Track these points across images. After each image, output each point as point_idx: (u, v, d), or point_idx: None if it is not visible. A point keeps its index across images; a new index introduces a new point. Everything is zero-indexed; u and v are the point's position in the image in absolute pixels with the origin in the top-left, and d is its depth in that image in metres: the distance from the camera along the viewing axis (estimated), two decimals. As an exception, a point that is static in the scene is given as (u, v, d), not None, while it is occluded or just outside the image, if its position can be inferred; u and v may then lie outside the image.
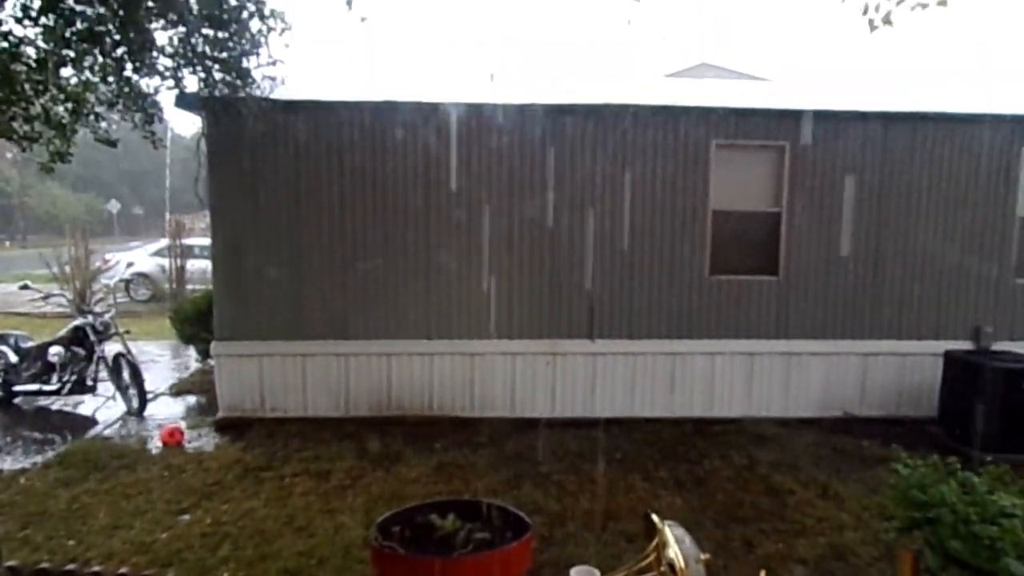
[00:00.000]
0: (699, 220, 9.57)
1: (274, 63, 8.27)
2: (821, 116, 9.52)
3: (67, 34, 7.06)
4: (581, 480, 7.17)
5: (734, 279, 9.72)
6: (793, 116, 9.50)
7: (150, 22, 7.30)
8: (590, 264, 9.52)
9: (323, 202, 9.27)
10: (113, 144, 8.53)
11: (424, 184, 9.27)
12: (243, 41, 7.78)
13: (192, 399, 10.82)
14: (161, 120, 8.39)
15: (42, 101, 7.94)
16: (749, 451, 8.37)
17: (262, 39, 8.02)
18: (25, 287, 11.23)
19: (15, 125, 7.92)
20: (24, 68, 7.55)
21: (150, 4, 7.05)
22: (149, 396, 10.39)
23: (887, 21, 7.76)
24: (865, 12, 7.63)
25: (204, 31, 7.60)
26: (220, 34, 7.59)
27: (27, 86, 7.70)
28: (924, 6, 7.86)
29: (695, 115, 9.47)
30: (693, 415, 9.81)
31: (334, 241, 9.32)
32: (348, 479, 7.04)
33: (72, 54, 7.34)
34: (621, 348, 9.66)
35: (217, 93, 8.14)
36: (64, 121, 8.09)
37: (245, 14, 7.65)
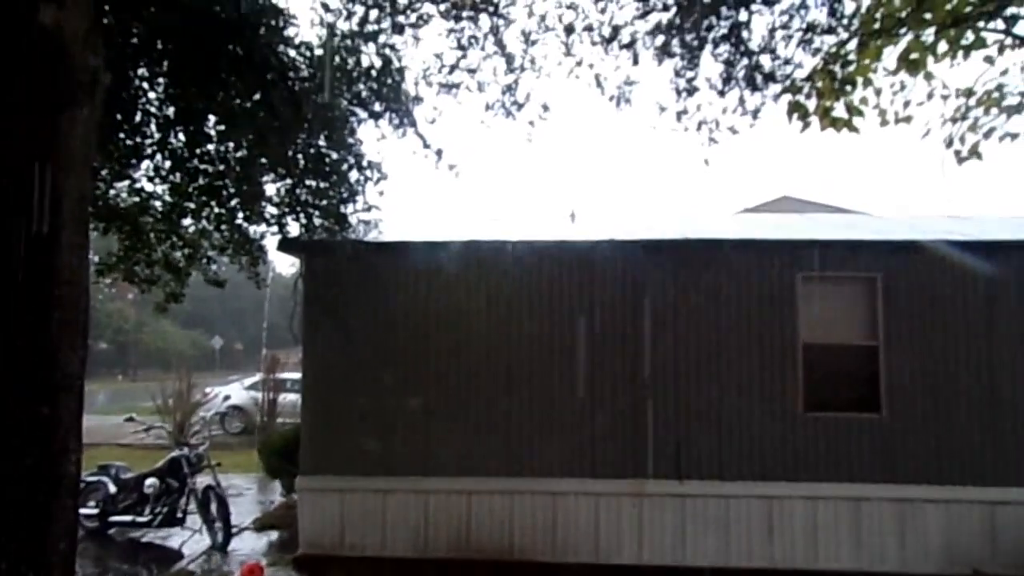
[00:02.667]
0: (790, 354, 9.27)
1: (369, 209, 8.91)
2: (914, 247, 9.31)
3: (190, 189, 7.87)
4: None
5: (831, 416, 9.19)
6: (883, 247, 9.35)
7: (262, 176, 8.06)
8: (676, 400, 9.25)
9: (408, 340, 9.53)
10: (221, 285, 9.23)
11: (506, 321, 9.44)
12: (342, 190, 8.45)
13: (275, 534, 10.82)
14: (265, 262, 9.05)
15: (163, 248, 8.76)
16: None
17: (359, 188, 8.69)
18: (130, 419, 11.79)
19: (137, 269, 8.72)
20: (151, 219, 8.40)
21: (263, 162, 7.82)
22: (234, 530, 10.44)
23: (975, 153, 7.66)
24: (950, 144, 7.59)
25: (308, 182, 8.31)
26: (322, 184, 8.29)
27: (152, 235, 8.53)
28: (1014, 136, 7.74)
29: (780, 248, 9.46)
30: (796, 566, 9.01)
31: (419, 378, 9.47)
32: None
33: (192, 206, 8.14)
34: (712, 490, 9.17)
35: (316, 237, 8.76)
36: (180, 265, 8.87)
37: (345, 166, 8.37)
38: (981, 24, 6.28)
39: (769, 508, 9.11)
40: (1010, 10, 6.14)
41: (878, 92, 3.87)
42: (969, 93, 7.31)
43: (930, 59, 6.72)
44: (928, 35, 6.50)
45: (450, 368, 9.44)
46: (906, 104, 4.11)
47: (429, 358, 9.48)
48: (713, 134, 8.59)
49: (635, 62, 8.50)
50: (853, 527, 9.04)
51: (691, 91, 8.55)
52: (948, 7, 5.80)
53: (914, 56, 6.38)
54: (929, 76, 7.21)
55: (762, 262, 9.44)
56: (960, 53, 6.76)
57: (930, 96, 7.54)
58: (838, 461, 9.11)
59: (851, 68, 3.73)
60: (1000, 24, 6.45)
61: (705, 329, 9.36)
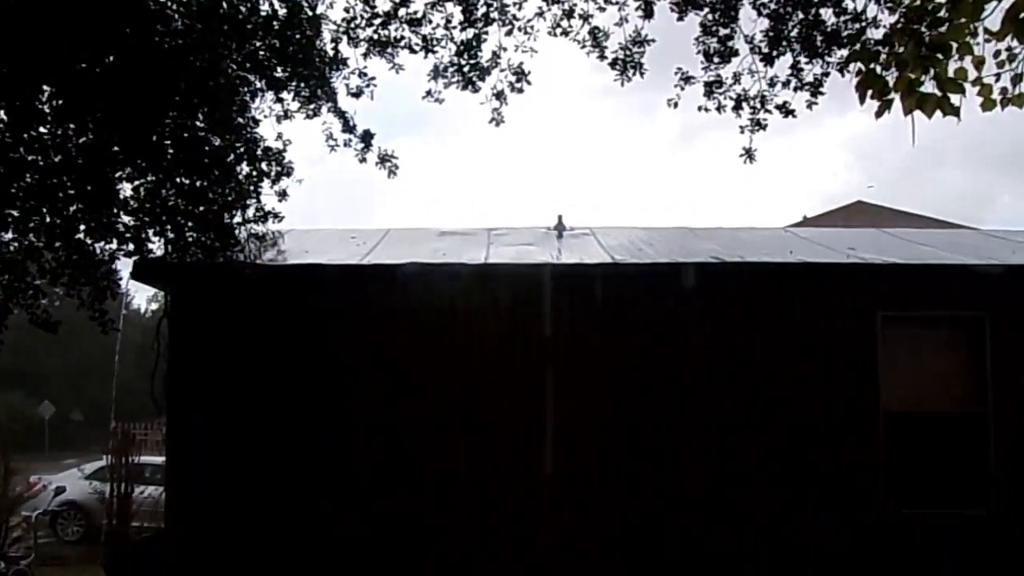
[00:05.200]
0: (866, 427, 9.31)
1: (265, 217, 8.89)
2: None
3: (12, 189, 7.70)
4: None
5: (922, 514, 9.21)
6: (994, 276, 9.45)
7: (113, 171, 7.98)
8: (698, 497, 9.24)
9: (323, 404, 9.39)
10: (53, 328, 8.97)
11: (461, 375, 9.46)
12: (227, 191, 8.44)
13: None
14: (115, 296, 8.90)
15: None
16: None
17: (252, 187, 8.68)
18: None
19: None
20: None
21: (115, 150, 7.74)
22: None
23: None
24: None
25: (178, 179, 8.27)
26: (199, 183, 8.26)
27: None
28: None
29: (853, 276, 9.61)
30: None
31: (337, 462, 9.35)
32: None
33: (15, 213, 7.95)
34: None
35: (189, 258, 8.69)
36: (-7, 299, 8.62)
37: (232, 157, 8.37)
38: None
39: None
40: None
41: (979, 63, 3.92)
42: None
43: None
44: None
45: (388, 460, 9.38)
46: (1018, 79, 4.16)
47: (351, 431, 9.37)
48: (758, 115, 8.75)
49: (647, 14, 8.65)
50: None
51: (726, 55, 8.68)
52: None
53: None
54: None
55: (827, 296, 9.52)
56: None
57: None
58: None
59: (942, 29, 3.79)
60: None
61: (742, 390, 9.35)
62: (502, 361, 9.48)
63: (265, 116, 8.78)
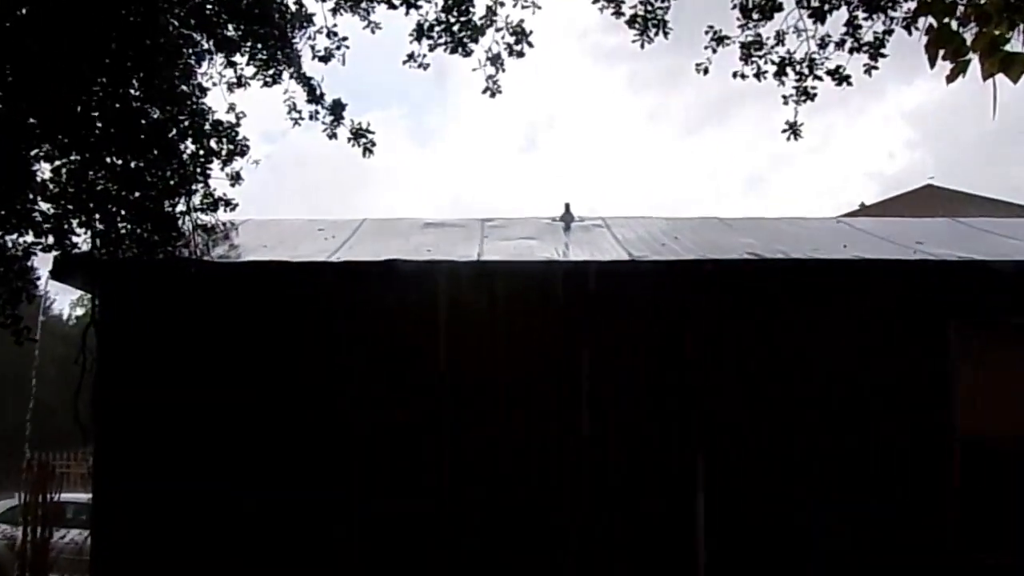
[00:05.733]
0: (937, 456, 9.34)
1: (215, 205, 8.89)
2: None
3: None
4: None
5: (996, 565, 9.18)
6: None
7: (28, 148, 7.93)
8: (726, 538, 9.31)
9: (286, 427, 9.39)
10: (-48, 337, 8.96)
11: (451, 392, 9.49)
12: (168, 173, 8.41)
13: None
14: (31, 299, 8.86)
15: None
16: None
17: (198, 169, 8.65)
18: None
19: None
20: None
21: (31, 122, 7.69)
22: None
23: None
24: None
25: (109, 159, 8.23)
26: (133, 163, 8.23)
27: None
28: None
29: (920, 275, 9.64)
30: None
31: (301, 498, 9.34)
32: None
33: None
34: None
35: (123, 253, 8.67)
36: None
37: (174, 132, 8.34)
38: None
39: None
40: None
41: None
42: None
43: None
44: None
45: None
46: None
47: (322, 463, 9.37)
48: (805, 82, 8.72)
49: (672, -39, 8.59)
50: None
51: (767, 10, 8.62)
52: None
53: None
54: None
55: (889, 300, 9.56)
56: None
57: None
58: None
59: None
60: None
61: (779, 411, 9.40)
62: (498, 378, 9.54)
63: (214, 83, 8.79)
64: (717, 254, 10.05)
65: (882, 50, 8.23)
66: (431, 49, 8.98)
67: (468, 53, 8.97)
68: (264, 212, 14.00)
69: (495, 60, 9.03)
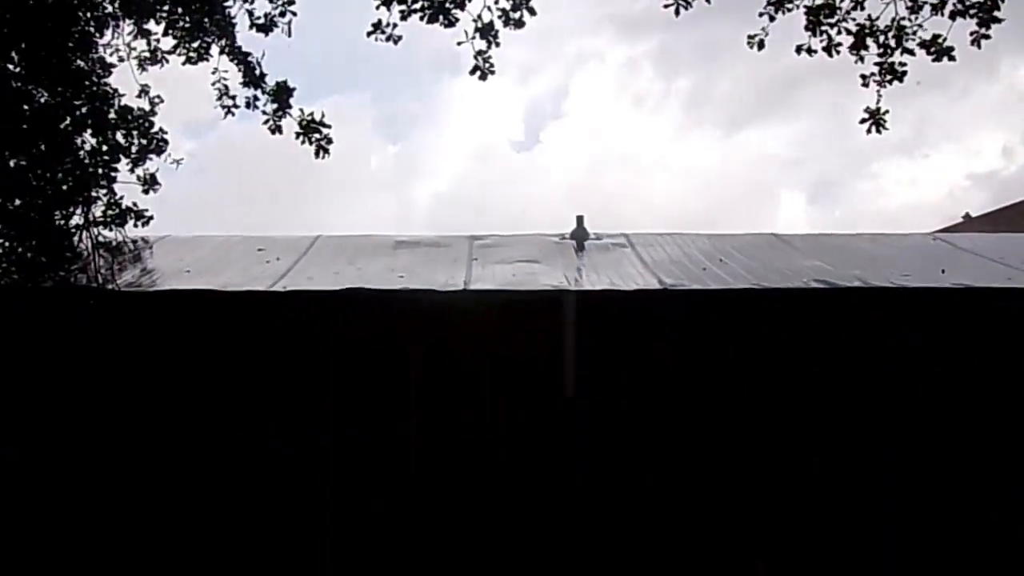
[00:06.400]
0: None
1: (121, 217, 8.77)
2: None
3: None
4: None
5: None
6: None
7: None
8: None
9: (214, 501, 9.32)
10: None
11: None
12: (60, 175, 8.30)
13: None
14: None
15: None
16: None
17: (100, 170, 8.52)
18: None
19: None
20: None
21: None
22: None
23: None
24: None
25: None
26: (13, 161, 8.07)
27: None
28: None
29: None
30: None
31: None
32: None
33: None
34: None
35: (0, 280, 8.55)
36: None
37: (68, 122, 8.23)
38: None
39: None
40: None
41: None
42: None
43: None
44: None
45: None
46: None
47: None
48: (891, 57, 8.60)
49: None
50: None
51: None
52: None
53: None
54: None
55: (999, 339, 9.51)
56: None
57: None
58: None
59: None
60: None
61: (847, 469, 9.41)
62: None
63: (121, 59, 8.67)
64: (775, 281, 10.00)
65: (995, 13, 8.08)
66: (404, 17, 8.78)
67: (452, 22, 8.78)
68: (188, 226, 13.89)
69: (486, 31, 8.86)
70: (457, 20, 8.71)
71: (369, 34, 8.82)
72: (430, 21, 8.69)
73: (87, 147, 8.41)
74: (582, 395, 9.53)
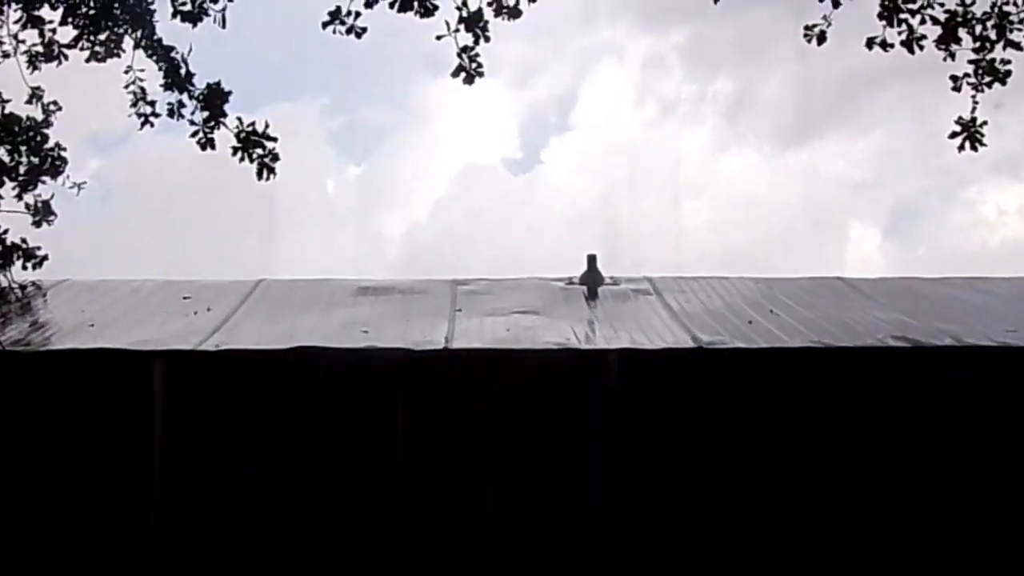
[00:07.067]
0: None
1: (6, 256, 8.74)
2: None
3: None
4: None
5: None
6: None
7: None
8: None
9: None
10: None
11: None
12: None
13: None
14: None
15: None
16: None
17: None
18: None
19: None
20: None
21: None
22: None
23: None
24: None
25: None
26: None
27: None
28: None
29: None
30: None
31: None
32: None
33: None
34: None
35: None
36: None
37: None
38: None
39: None
40: None
41: None
42: None
43: None
44: None
45: None
46: None
47: None
48: (991, 52, 8.43)
49: None
50: None
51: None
52: None
53: None
54: None
55: None
56: None
57: None
58: None
59: None
60: None
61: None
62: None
63: (6, 54, 8.62)
64: (840, 339, 9.95)
65: None
66: (368, 4, 8.78)
67: (429, 10, 8.76)
68: (93, 269, 13.92)
69: (473, 22, 8.84)
70: (436, 8, 8.60)
71: (325, 25, 8.74)
72: (401, 9, 8.60)
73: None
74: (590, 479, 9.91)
